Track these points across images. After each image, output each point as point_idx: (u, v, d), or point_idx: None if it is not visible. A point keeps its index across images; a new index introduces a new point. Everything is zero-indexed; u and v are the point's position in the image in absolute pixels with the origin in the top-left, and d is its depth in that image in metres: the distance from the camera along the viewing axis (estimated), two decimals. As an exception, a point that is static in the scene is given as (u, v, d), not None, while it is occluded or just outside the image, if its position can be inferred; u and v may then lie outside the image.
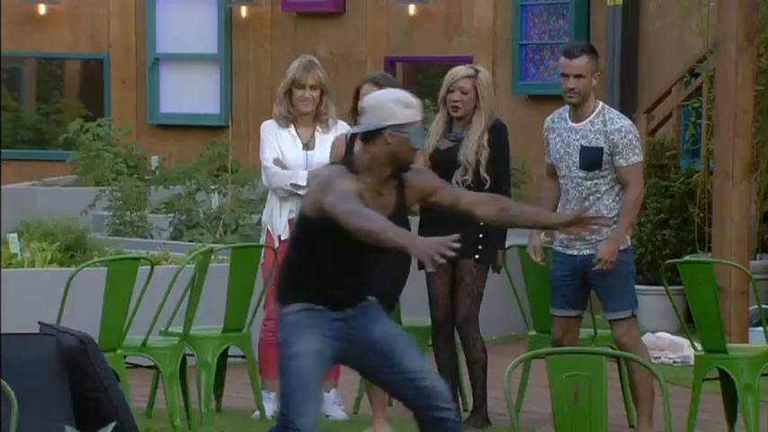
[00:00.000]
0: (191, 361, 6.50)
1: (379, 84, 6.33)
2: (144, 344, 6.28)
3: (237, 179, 10.31)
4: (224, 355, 6.68)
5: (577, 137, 6.03)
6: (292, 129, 6.66)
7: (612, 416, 5.49)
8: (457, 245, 4.27)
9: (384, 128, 4.52)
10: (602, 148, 5.98)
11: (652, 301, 8.83)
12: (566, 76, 6.00)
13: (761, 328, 6.31)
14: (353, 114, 6.12)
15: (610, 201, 6.00)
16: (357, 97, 5.92)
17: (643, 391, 5.96)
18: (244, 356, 6.69)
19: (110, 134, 11.40)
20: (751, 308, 7.70)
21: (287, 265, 4.64)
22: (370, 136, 4.53)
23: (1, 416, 4.05)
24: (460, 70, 6.50)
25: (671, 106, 10.02)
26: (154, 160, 11.61)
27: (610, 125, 6.00)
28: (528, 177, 10.69)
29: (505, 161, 6.56)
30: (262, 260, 6.71)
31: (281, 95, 6.63)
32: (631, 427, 6.39)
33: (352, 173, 4.53)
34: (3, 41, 12.21)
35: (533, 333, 6.67)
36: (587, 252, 5.99)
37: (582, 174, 5.98)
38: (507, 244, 6.59)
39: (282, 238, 6.64)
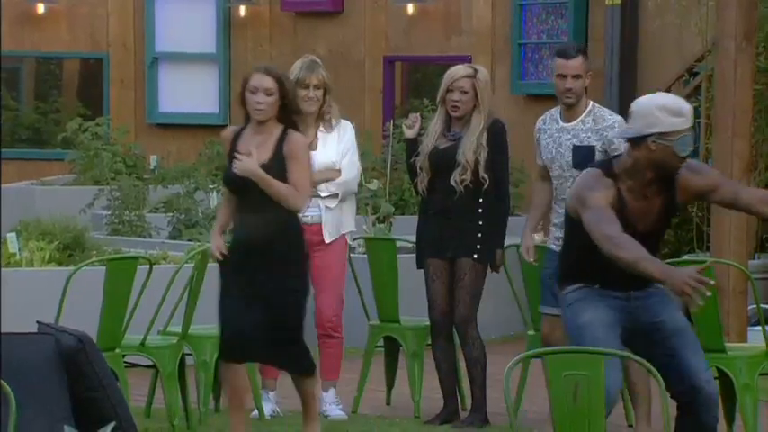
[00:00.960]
0: (189, 360, 6.50)
1: (270, 74, 6.33)
2: (143, 343, 6.27)
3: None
4: (223, 355, 6.67)
5: (569, 136, 6.06)
6: (295, 130, 6.65)
7: (611, 416, 5.50)
8: (712, 281, 4.36)
9: (648, 135, 4.55)
10: (594, 146, 6.02)
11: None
12: (563, 77, 6.05)
13: (759, 328, 6.32)
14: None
15: None
16: (244, 86, 5.83)
17: (641, 390, 5.97)
18: (242, 356, 6.67)
19: (108, 133, 11.39)
20: (750, 307, 7.70)
21: (563, 252, 4.78)
22: (635, 141, 4.57)
23: (0, 415, 4.05)
24: (459, 70, 6.50)
25: (670, 106, 10.00)
26: (152, 159, 11.60)
27: (602, 123, 6.06)
28: (527, 177, 10.68)
29: (504, 161, 6.56)
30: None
31: (285, 97, 6.61)
32: (630, 426, 6.40)
33: (608, 177, 4.58)
34: (4, 41, 12.21)
35: (532, 332, 6.67)
36: None
37: (575, 173, 5.97)
38: (506, 243, 6.59)
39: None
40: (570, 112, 6.08)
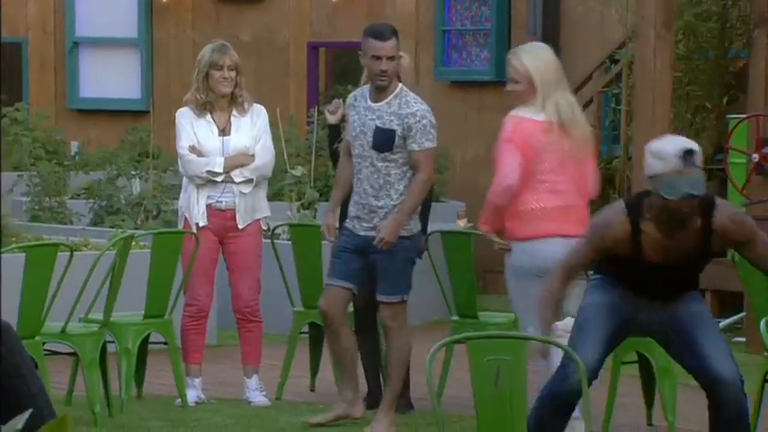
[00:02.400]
0: (111, 348, 6.45)
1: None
2: (63, 330, 6.22)
3: (159, 165, 10.23)
4: (145, 342, 6.63)
5: (374, 117, 6.06)
6: (208, 115, 6.62)
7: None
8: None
9: (650, 178, 4.70)
10: (395, 130, 6.01)
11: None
12: (377, 58, 6.02)
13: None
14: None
15: (402, 187, 6.02)
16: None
17: (395, 371, 5.98)
18: (165, 343, 6.65)
19: (28, 119, 11.25)
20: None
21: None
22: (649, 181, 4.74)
23: None
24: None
25: (591, 92, 10.11)
26: (73, 145, 11.47)
27: (405, 108, 6.04)
28: (451, 163, 10.73)
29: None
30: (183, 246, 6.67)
31: (199, 81, 6.59)
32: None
33: (630, 213, 4.70)
34: None
35: (456, 318, 6.70)
36: (372, 234, 6.02)
37: (374, 154, 6.01)
38: (429, 229, 6.61)
39: (201, 225, 6.61)
40: (380, 93, 6.07)
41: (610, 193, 9.56)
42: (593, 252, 4.79)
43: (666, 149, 4.67)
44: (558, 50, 10.83)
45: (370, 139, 6.01)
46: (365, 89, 6.15)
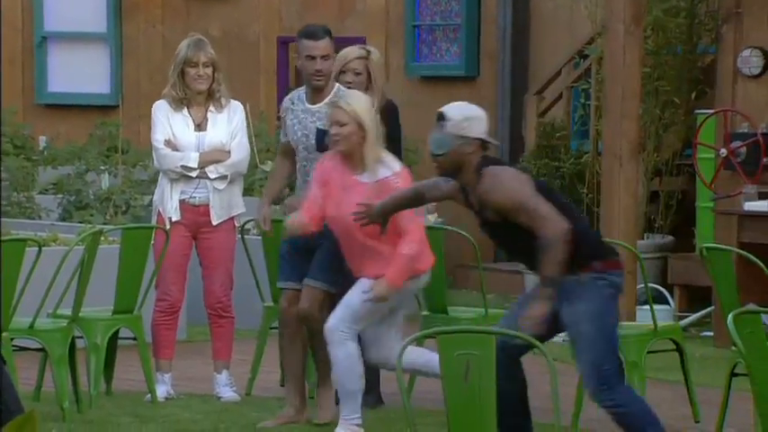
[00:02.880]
0: (80, 343, 6.43)
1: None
2: (31, 326, 6.19)
3: (128, 160, 10.20)
4: (114, 337, 6.61)
5: (314, 119, 6.09)
6: (185, 110, 6.60)
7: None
8: None
9: None
10: None
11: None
12: (312, 58, 6.07)
13: (647, 307, 6.43)
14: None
15: None
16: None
17: (325, 358, 5.92)
18: (135, 338, 6.63)
19: (-8, 114, 11.18)
20: (638, 287, 7.84)
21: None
22: None
23: None
24: (352, 51, 6.51)
25: (561, 88, 10.13)
26: (42, 140, 11.42)
27: (343, 101, 6.06)
28: (420, 158, 10.74)
29: (397, 142, 6.58)
30: (152, 241, 6.65)
31: (175, 77, 6.56)
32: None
33: None
34: None
35: (426, 313, 6.71)
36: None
37: (320, 156, 6.01)
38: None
39: (174, 220, 6.59)
40: (317, 94, 6.11)
41: (579, 188, 9.60)
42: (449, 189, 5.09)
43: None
44: (527, 46, 10.94)
45: (314, 141, 6.05)
46: (300, 92, 6.19)
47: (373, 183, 5.74)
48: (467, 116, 5.03)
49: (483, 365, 4.09)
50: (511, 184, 4.90)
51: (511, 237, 4.97)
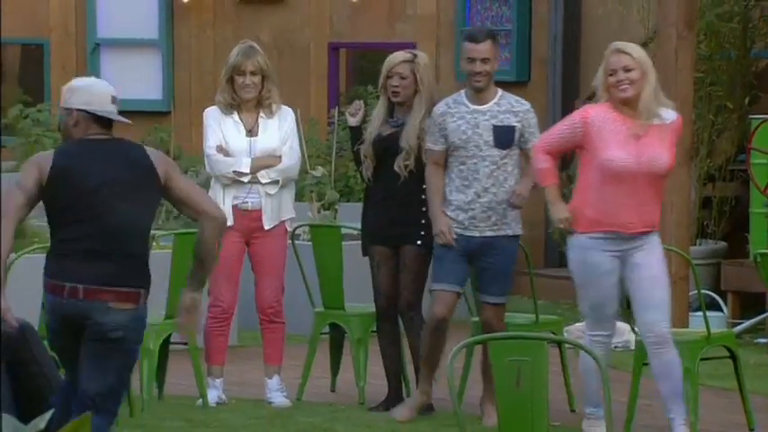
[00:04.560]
0: (133, 348, 6.45)
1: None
2: (85, 331, 6.22)
3: (180, 165, 10.24)
4: (166, 343, 6.65)
5: (486, 117, 6.23)
6: (236, 115, 6.63)
7: (554, 400, 5.55)
8: None
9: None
10: (515, 126, 6.22)
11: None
12: (472, 60, 6.22)
13: (701, 314, 6.39)
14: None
15: (513, 183, 6.22)
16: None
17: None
18: (186, 344, 6.66)
19: (49, 120, 11.29)
20: (691, 293, 7.78)
21: None
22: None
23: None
24: (398, 56, 6.53)
25: (612, 93, 10.07)
26: (95, 146, 11.49)
27: (519, 106, 6.28)
28: (428, 159, 10.70)
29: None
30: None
31: (224, 83, 6.60)
32: (572, 411, 6.44)
33: None
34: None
35: (476, 319, 6.70)
36: (490, 234, 6.16)
37: (494, 152, 6.17)
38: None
39: (228, 225, 6.62)
40: (480, 95, 6.25)
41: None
42: None
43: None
44: (578, 51, 10.89)
45: (488, 138, 6.17)
46: (456, 96, 6.31)
47: (666, 124, 5.78)
48: (69, 87, 4.80)
49: (535, 372, 4.08)
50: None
51: None
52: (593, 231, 5.77)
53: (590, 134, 5.79)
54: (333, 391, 6.96)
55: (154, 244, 6.60)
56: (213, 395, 6.62)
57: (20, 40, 12.31)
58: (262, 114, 6.62)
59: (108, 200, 4.48)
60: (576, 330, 8.02)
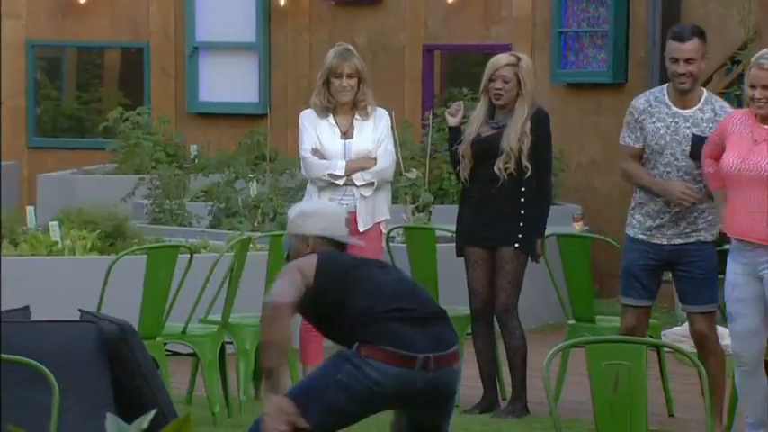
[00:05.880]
0: (230, 349, 6.52)
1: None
2: (183, 331, 6.30)
3: (276, 168, 10.33)
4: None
5: (688, 124, 5.82)
6: (331, 118, 6.65)
7: (653, 405, 5.48)
8: None
9: None
10: None
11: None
12: (676, 60, 5.79)
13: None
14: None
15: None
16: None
17: (716, 384, 5.75)
18: (282, 344, 6.69)
19: (149, 122, 11.44)
20: None
21: None
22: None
23: (31, 403, 4.08)
24: (502, 58, 6.49)
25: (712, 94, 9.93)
26: (193, 149, 11.64)
27: (722, 114, 5.79)
28: (566, 165, 10.64)
29: (547, 149, 6.54)
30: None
31: (320, 85, 6.62)
32: (671, 416, 6.36)
33: None
34: (45, 31, 12.27)
35: (572, 322, 6.65)
36: (679, 242, 5.84)
37: (689, 164, 5.80)
38: (547, 232, 6.58)
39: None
40: (685, 98, 5.80)
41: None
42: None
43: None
44: (677, 52, 10.73)
45: (685, 147, 5.79)
46: (656, 92, 5.89)
47: None
48: (300, 213, 4.62)
49: (633, 376, 4.03)
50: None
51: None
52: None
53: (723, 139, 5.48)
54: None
55: (250, 246, 6.66)
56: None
57: (120, 43, 12.51)
58: (357, 117, 6.64)
59: None
60: (672, 334, 7.92)
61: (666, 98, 5.87)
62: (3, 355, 3.86)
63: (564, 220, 8.73)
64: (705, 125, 5.83)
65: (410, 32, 11.65)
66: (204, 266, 6.35)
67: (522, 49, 10.58)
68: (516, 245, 6.44)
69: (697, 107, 5.84)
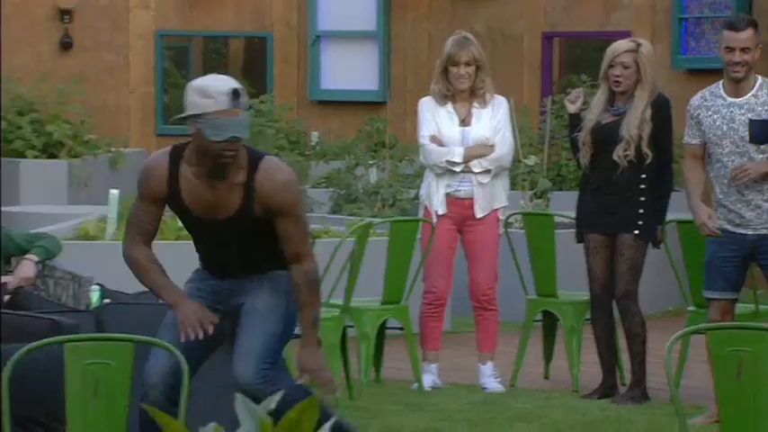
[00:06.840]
0: (351, 332, 6.63)
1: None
2: (306, 315, 6.40)
3: (395, 154, 10.42)
4: (383, 327, 6.79)
5: (742, 111, 5.89)
6: (449, 105, 6.71)
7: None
8: (211, 328, 4.31)
9: (185, 117, 4.38)
10: None
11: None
12: (731, 49, 5.89)
13: None
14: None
15: None
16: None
17: None
18: (401, 328, 6.79)
19: (272, 110, 11.62)
20: None
21: None
22: (187, 122, 4.39)
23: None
24: (622, 44, 6.47)
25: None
26: (314, 136, 11.79)
27: None
28: (684, 152, 10.54)
29: (668, 136, 6.52)
30: (419, 234, 6.80)
31: (438, 73, 6.68)
32: (546, 379, 6.31)
33: (172, 156, 4.40)
34: (173, 21, 12.53)
35: (692, 308, 6.62)
36: (764, 231, 5.85)
37: (751, 148, 5.84)
38: (667, 218, 6.56)
39: (440, 213, 6.72)
40: (738, 86, 5.90)
41: None
42: (143, 203, 4.40)
43: (214, 86, 4.34)
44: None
45: (743, 134, 5.84)
46: (712, 88, 5.97)
47: None
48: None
49: (757, 363, 4.02)
50: (296, 185, 4.40)
51: (242, 241, 4.40)
52: None
53: None
54: (546, 378, 6.99)
55: (370, 231, 6.75)
56: (428, 380, 6.73)
57: (244, 33, 12.71)
58: (475, 104, 6.68)
59: None
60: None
61: (721, 91, 5.92)
62: (146, 338, 4.01)
63: (684, 207, 8.66)
64: (761, 109, 5.85)
65: (529, 20, 11.63)
66: (326, 251, 6.45)
67: (642, 35, 10.51)
68: (636, 232, 6.43)
69: (751, 93, 5.87)
